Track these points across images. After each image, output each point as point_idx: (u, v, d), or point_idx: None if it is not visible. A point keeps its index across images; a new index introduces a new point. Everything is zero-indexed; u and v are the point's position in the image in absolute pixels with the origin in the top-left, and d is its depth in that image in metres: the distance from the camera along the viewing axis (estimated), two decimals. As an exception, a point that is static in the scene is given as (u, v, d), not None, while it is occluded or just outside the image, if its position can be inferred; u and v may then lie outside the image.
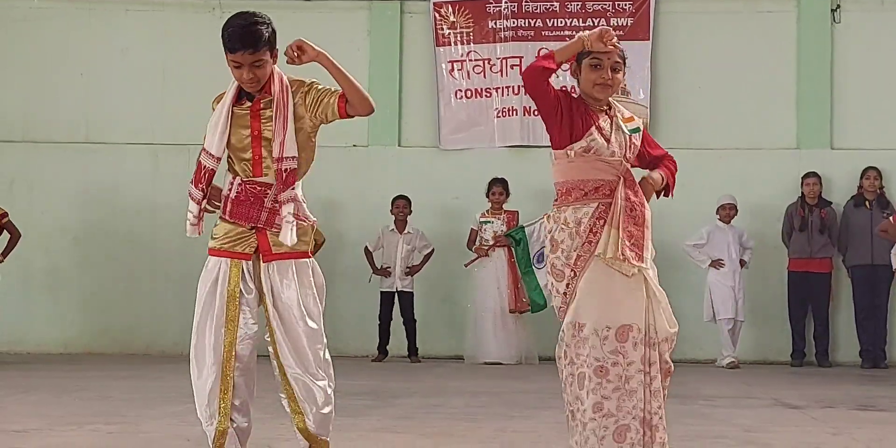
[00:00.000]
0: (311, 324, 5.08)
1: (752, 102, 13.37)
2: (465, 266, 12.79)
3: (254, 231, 5.04)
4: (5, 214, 11.98)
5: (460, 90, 13.69)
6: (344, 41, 13.69)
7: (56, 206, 13.60)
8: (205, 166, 5.05)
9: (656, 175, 5.26)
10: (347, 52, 13.61)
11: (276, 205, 5.00)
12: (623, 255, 4.93)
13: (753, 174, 13.22)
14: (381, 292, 12.87)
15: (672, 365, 5.02)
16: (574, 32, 13.89)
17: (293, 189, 5.04)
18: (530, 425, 7.12)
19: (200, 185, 5.04)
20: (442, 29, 13.69)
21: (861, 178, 12.81)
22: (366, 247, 12.96)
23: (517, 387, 9.89)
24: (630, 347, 4.88)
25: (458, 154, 13.64)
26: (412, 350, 12.83)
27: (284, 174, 4.98)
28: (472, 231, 12.83)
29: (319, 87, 5.07)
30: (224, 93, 5.09)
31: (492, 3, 13.65)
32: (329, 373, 5.11)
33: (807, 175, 12.86)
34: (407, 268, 12.88)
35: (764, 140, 13.33)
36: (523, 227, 12.67)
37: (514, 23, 13.62)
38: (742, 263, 12.71)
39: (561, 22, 13.59)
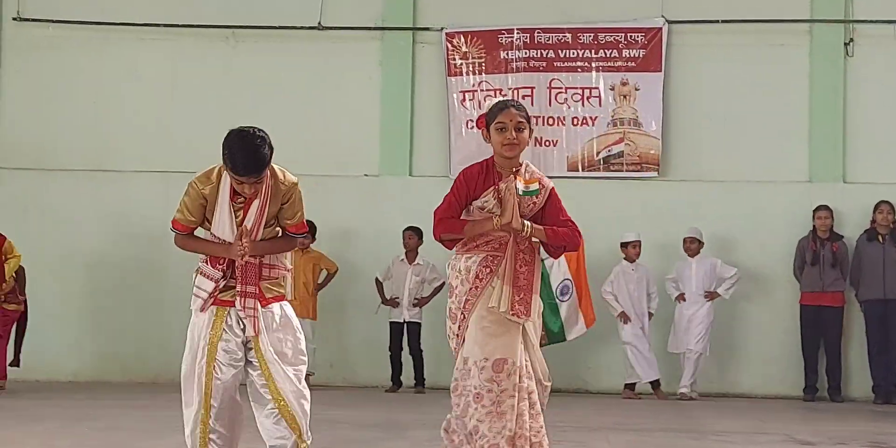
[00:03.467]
0: (303, 358, 5.70)
1: (764, 135, 13.35)
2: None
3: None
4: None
5: (471, 120, 13.66)
6: (356, 71, 13.75)
7: (67, 232, 13.60)
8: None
9: (528, 222, 5.52)
10: (359, 82, 13.70)
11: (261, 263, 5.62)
12: (512, 310, 5.44)
13: (765, 207, 13.19)
14: (391, 323, 12.85)
15: (544, 405, 5.51)
16: (587, 63, 14.01)
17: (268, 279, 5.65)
18: (542, 460, 7.04)
19: (220, 266, 5.57)
20: (454, 59, 13.71)
21: (874, 212, 12.76)
22: (377, 277, 12.93)
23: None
24: (504, 377, 5.34)
25: (469, 184, 13.60)
26: (419, 380, 12.79)
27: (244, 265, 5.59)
28: (493, 262, 12.79)
29: (298, 199, 5.68)
30: (210, 174, 5.55)
31: (504, 34, 13.67)
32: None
33: (818, 208, 12.83)
34: (415, 299, 12.84)
35: (776, 173, 13.30)
36: (543, 260, 12.61)
37: (525, 53, 13.63)
38: (711, 295, 12.66)
39: (573, 53, 13.60)
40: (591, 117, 13.58)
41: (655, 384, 12.68)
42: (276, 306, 5.60)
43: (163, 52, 13.86)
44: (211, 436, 5.48)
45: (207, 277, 5.56)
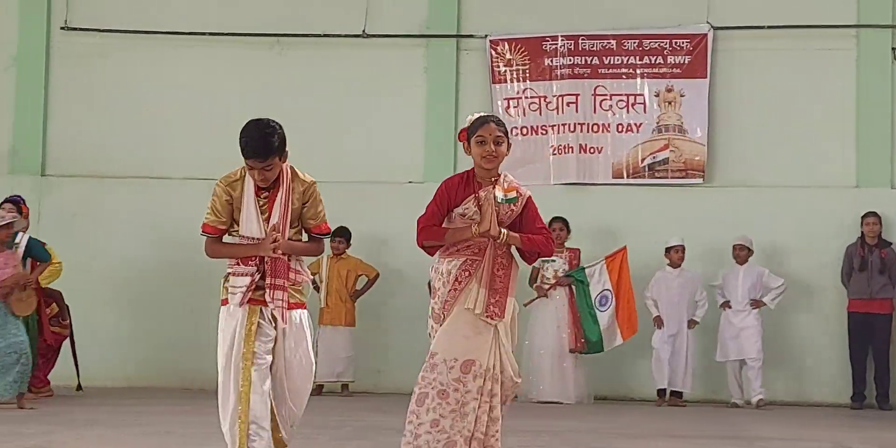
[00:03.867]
0: (313, 361, 6.05)
1: (811, 140, 13.30)
2: (525, 305, 12.75)
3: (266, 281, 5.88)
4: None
5: (516, 127, 13.69)
6: (401, 78, 13.80)
7: (117, 240, 13.70)
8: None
9: (505, 230, 5.83)
10: (404, 89, 13.74)
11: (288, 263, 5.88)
12: (487, 312, 5.77)
13: (812, 213, 13.12)
14: None
15: (510, 397, 5.85)
16: (631, 70, 13.97)
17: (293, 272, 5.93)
18: (590, 467, 7.05)
19: (252, 262, 5.82)
20: (498, 66, 13.73)
21: (922, 217, 12.70)
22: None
23: (574, 426, 9.84)
24: (470, 378, 5.70)
25: (513, 191, 13.60)
26: None
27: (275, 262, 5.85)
28: (534, 269, 12.77)
29: (318, 198, 5.96)
30: (233, 177, 5.89)
31: (548, 41, 13.67)
32: None
33: (866, 214, 12.74)
34: (471, 304, 12.83)
35: (823, 178, 13.24)
36: (584, 269, 12.64)
37: (570, 60, 13.62)
38: (757, 304, 12.58)
39: (617, 60, 13.58)
40: (635, 124, 13.56)
41: (661, 392, 12.64)
42: (295, 313, 5.90)
43: (209, 60, 13.96)
44: (250, 428, 5.71)
45: (241, 275, 5.82)
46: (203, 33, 13.89)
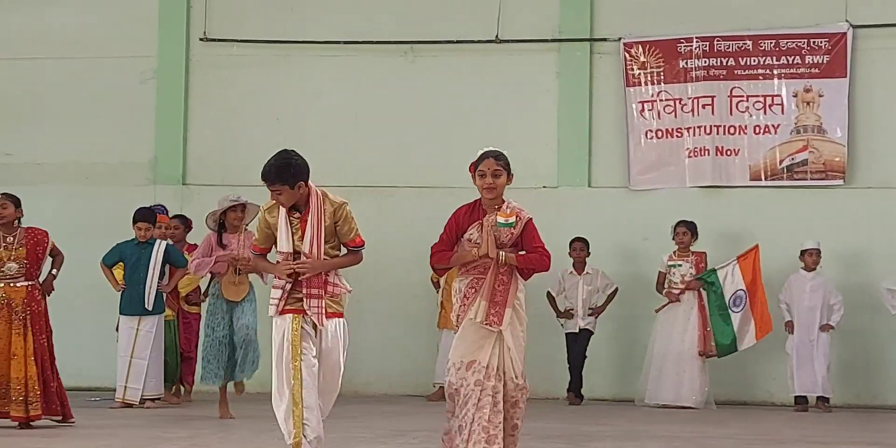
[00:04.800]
0: (342, 367, 6.58)
1: (955, 140, 12.98)
2: (656, 311, 12.62)
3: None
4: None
5: (650, 130, 13.59)
6: (534, 82, 13.79)
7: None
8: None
9: (502, 251, 6.54)
10: (537, 93, 13.74)
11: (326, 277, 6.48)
12: (487, 320, 6.50)
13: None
14: (567, 334, 12.79)
15: (519, 400, 6.54)
16: (768, 71, 13.73)
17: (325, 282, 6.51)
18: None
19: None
20: (632, 69, 13.64)
21: None
22: (548, 292, 12.82)
23: (708, 432, 9.73)
24: (470, 374, 6.48)
25: (648, 194, 13.53)
26: (574, 387, 12.72)
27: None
28: (661, 274, 12.66)
29: (349, 217, 6.51)
30: (271, 203, 6.57)
31: (683, 43, 13.54)
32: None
33: None
34: (590, 309, 12.78)
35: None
36: (715, 270, 12.46)
37: (705, 62, 13.47)
38: None
39: (753, 61, 13.39)
40: (773, 125, 13.35)
41: (800, 399, 12.35)
42: (332, 321, 6.47)
43: (342, 68, 14.11)
44: (305, 422, 6.27)
45: (276, 287, 6.51)
46: (338, 42, 14.05)
